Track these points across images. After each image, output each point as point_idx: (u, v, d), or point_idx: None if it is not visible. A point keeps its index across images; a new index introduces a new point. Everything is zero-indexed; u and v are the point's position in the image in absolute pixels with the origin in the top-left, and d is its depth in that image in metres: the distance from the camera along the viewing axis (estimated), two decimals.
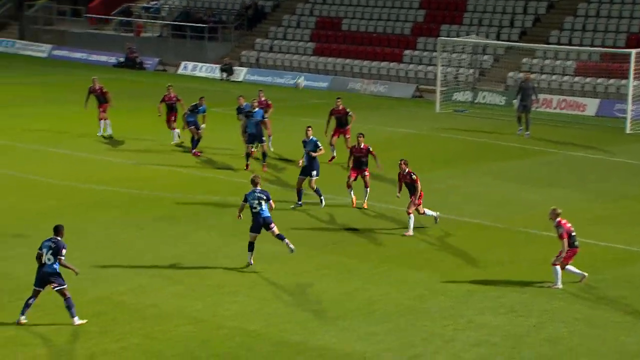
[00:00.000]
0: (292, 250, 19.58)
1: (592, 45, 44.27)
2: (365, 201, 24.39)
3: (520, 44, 45.07)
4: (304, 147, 25.01)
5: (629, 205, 25.54)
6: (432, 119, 39.04)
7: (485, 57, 46.41)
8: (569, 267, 19.10)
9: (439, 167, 29.52)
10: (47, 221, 22.43)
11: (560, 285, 18.82)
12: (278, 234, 19.66)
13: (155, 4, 59.11)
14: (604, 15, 45.84)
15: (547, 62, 44.83)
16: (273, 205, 19.75)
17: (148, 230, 21.88)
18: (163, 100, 31.86)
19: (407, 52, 48.86)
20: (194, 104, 31.07)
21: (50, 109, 39.12)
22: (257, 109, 28.73)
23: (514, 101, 37.25)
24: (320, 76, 49.05)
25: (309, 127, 25.42)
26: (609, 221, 23.88)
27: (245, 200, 19.59)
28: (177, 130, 31.74)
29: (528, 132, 35.48)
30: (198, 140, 30.41)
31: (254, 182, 19.74)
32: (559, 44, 44.97)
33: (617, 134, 36.67)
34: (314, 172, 24.38)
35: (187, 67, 52.28)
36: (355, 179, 24.54)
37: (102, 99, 32.76)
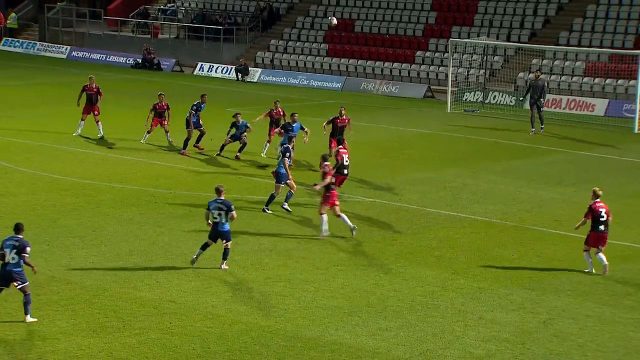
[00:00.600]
0: (224, 269, 18.99)
1: (600, 47, 44.16)
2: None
3: (530, 45, 44.99)
4: (289, 131, 26.08)
5: (637, 203, 25.50)
6: (443, 118, 39.04)
7: (496, 58, 46.35)
8: (600, 254, 19.30)
9: (450, 166, 29.53)
10: (67, 218, 22.61)
11: (592, 269, 19.32)
12: (226, 249, 19.02)
13: (172, 6, 59.27)
14: (613, 17, 45.70)
15: (556, 62, 44.74)
16: (235, 216, 19.02)
17: (166, 227, 21.99)
18: (154, 109, 31.02)
19: (419, 53, 48.85)
20: (196, 102, 30.69)
21: (68, 109, 39.28)
22: (296, 122, 27.26)
23: (523, 99, 37.37)
24: (333, 77, 49.08)
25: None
26: (617, 219, 23.78)
27: (208, 208, 19.01)
28: (148, 135, 31.25)
29: (542, 127, 35.63)
30: (201, 136, 30.30)
31: (218, 191, 19.05)
32: (568, 45, 44.87)
33: (626, 133, 36.58)
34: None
35: (203, 68, 52.39)
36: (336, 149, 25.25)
37: (95, 99, 31.91)
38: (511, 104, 42.18)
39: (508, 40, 46.86)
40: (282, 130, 27.24)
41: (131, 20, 58.79)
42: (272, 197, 23.61)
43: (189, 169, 28.36)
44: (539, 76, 36.88)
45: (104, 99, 32.81)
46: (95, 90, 32.17)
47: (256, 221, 22.87)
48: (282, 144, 25.40)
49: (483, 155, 31.65)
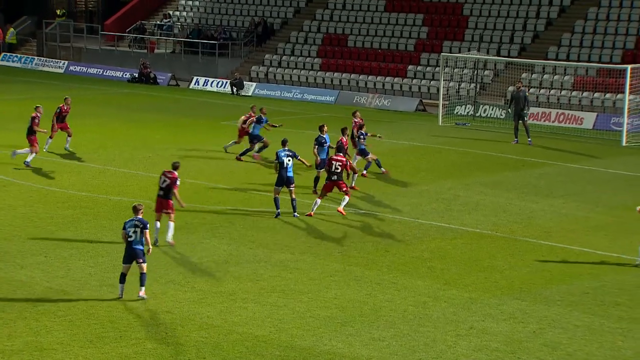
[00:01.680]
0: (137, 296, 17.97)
1: (589, 61, 44.31)
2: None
3: (520, 59, 45.13)
4: (323, 144, 26.52)
5: (625, 215, 25.55)
6: (435, 131, 39.11)
7: (486, 72, 46.48)
8: None
9: (441, 178, 29.57)
10: (64, 230, 22.57)
11: None
12: (142, 274, 17.92)
13: (168, 21, 59.36)
14: (601, 32, 45.89)
15: (545, 77, 44.88)
16: (148, 238, 18.02)
17: (162, 239, 21.94)
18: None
19: (410, 67, 48.97)
20: (257, 116, 30.88)
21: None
22: (325, 134, 26.97)
23: (509, 110, 37.66)
24: (327, 90, 49.17)
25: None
26: (605, 230, 23.90)
27: (124, 227, 17.98)
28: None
29: (530, 139, 35.76)
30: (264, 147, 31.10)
31: (135, 210, 18.11)
32: (557, 59, 45.04)
33: (614, 146, 36.69)
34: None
35: (199, 82, 52.44)
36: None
37: (63, 117, 31.46)
38: (501, 117, 42.27)
39: (498, 54, 47.00)
40: (317, 146, 26.68)
41: (128, 36, 58.85)
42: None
43: (185, 181, 28.34)
44: (520, 87, 37.06)
45: (103, 112, 32.87)
46: (66, 111, 31.61)
47: (251, 233, 22.86)
48: (322, 160, 26.38)
49: (474, 167, 31.71)
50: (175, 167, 22.06)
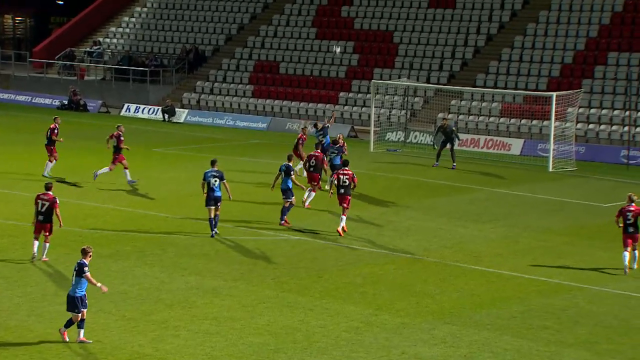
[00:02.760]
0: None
1: (516, 88, 45.22)
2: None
3: (449, 86, 45.83)
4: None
5: (551, 239, 26.05)
6: (367, 158, 39.40)
7: (416, 99, 47.08)
8: (625, 253, 22.31)
9: (374, 204, 29.79)
10: None
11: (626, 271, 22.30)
12: (81, 320, 16.85)
13: (98, 48, 58.89)
14: (527, 60, 46.88)
15: (474, 103, 45.64)
16: (91, 279, 17.03)
17: (92, 267, 21.56)
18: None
19: (342, 94, 49.36)
20: (338, 145, 31.33)
21: None
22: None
23: (433, 139, 38.65)
24: (259, 117, 49.24)
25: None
26: (532, 254, 24.32)
27: (81, 270, 16.87)
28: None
29: (454, 164, 36.86)
30: None
31: (85, 253, 17.08)
32: (485, 86, 45.85)
33: (540, 172, 37.41)
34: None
35: (130, 109, 52.07)
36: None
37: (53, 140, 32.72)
38: (431, 143, 42.79)
39: (428, 81, 47.67)
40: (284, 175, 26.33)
41: (57, 62, 58.20)
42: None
43: (117, 209, 28.07)
44: (446, 123, 37.69)
45: (32, 140, 32.50)
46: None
47: (183, 259, 22.72)
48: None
49: (405, 193, 32.01)
50: (48, 187, 22.20)
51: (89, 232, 25.16)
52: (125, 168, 30.86)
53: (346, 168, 26.00)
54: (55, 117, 33.70)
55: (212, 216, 24.51)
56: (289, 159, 26.71)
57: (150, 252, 23.29)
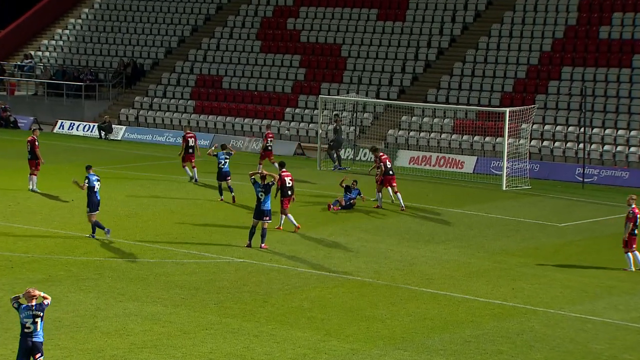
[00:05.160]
0: None
1: (468, 104, 45.72)
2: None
3: (399, 102, 46.17)
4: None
5: (505, 260, 26.30)
6: (315, 176, 39.46)
7: (366, 114, 47.34)
8: (636, 252, 24.76)
9: (321, 224, 29.82)
10: None
11: (632, 268, 24.77)
12: None
13: (30, 62, 58.29)
14: (479, 75, 47.45)
15: (425, 119, 46.02)
16: (47, 298, 15.97)
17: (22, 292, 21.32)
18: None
19: (288, 109, 49.47)
20: (227, 151, 33.15)
21: None
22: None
23: (331, 143, 42.07)
24: (201, 134, 49.03)
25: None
26: (486, 276, 24.52)
27: (20, 315, 15.65)
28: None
29: (339, 166, 41.07)
30: None
31: (29, 297, 15.66)
32: (436, 102, 46.28)
33: (494, 190, 37.80)
34: None
35: (64, 126, 51.60)
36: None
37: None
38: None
39: (377, 97, 47.98)
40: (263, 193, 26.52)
41: None
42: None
43: (49, 231, 27.74)
44: (338, 120, 41.99)
45: None
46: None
47: (120, 284, 22.51)
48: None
49: (354, 212, 32.10)
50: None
51: (19, 256, 24.81)
52: (33, 174, 32.49)
53: (285, 169, 28.61)
54: (34, 130, 35.25)
55: (94, 220, 26.43)
56: (264, 179, 26.33)
57: (86, 277, 23.04)
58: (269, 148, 38.77)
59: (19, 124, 52.61)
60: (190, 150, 35.92)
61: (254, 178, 26.23)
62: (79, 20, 60.76)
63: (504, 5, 50.11)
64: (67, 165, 39.34)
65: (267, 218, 25.93)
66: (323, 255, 26.01)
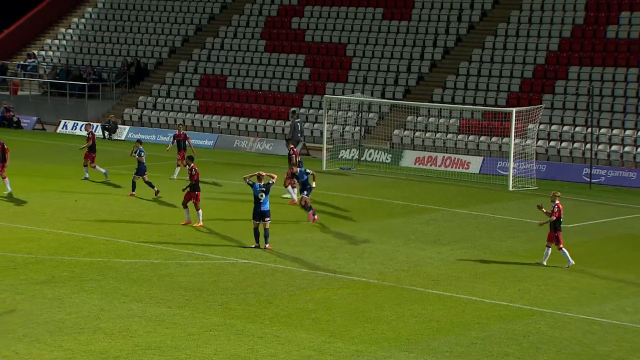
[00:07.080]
0: None
1: (474, 104, 45.69)
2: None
3: (405, 102, 46.16)
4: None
5: (512, 261, 26.28)
6: (319, 177, 39.38)
7: (371, 114, 47.34)
8: (564, 250, 25.41)
9: (326, 225, 29.82)
10: None
11: (545, 262, 25.42)
12: None
13: (33, 61, 58.37)
14: (485, 74, 47.42)
15: (431, 119, 46.00)
16: None
17: (26, 295, 21.40)
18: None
19: (293, 109, 49.41)
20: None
21: None
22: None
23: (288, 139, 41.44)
24: (205, 134, 49.14)
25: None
26: (492, 277, 24.51)
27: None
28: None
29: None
30: None
31: (258, 177, 17.90)
32: (442, 102, 46.26)
33: (500, 191, 37.77)
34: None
35: (67, 126, 51.67)
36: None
37: (1, 157, 33.19)
38: (387, 161, 43.08)
39: (383, 97, 47.98)
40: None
41: None
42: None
43: (53, 232, 27.78)
44: (295, 116, 41.47)
45: None
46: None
47: (124, 285, 22.54)
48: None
49: (359, 213, 32.10)
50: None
51: (22, 256, 24.86)
52: (4, 177, 32.56)
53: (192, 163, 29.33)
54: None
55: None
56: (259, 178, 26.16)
57: (89, 278, 23.07)
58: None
59: (22, 124, 52.67)
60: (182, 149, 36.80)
61: (250, 180, 25.88)
62: (83, 20, 60.85)
63: (510, 4, 50.08)
64: (71, 165, 39.39)
65: (268, 218, 25.86)
66: (328, 256, 26.02)
